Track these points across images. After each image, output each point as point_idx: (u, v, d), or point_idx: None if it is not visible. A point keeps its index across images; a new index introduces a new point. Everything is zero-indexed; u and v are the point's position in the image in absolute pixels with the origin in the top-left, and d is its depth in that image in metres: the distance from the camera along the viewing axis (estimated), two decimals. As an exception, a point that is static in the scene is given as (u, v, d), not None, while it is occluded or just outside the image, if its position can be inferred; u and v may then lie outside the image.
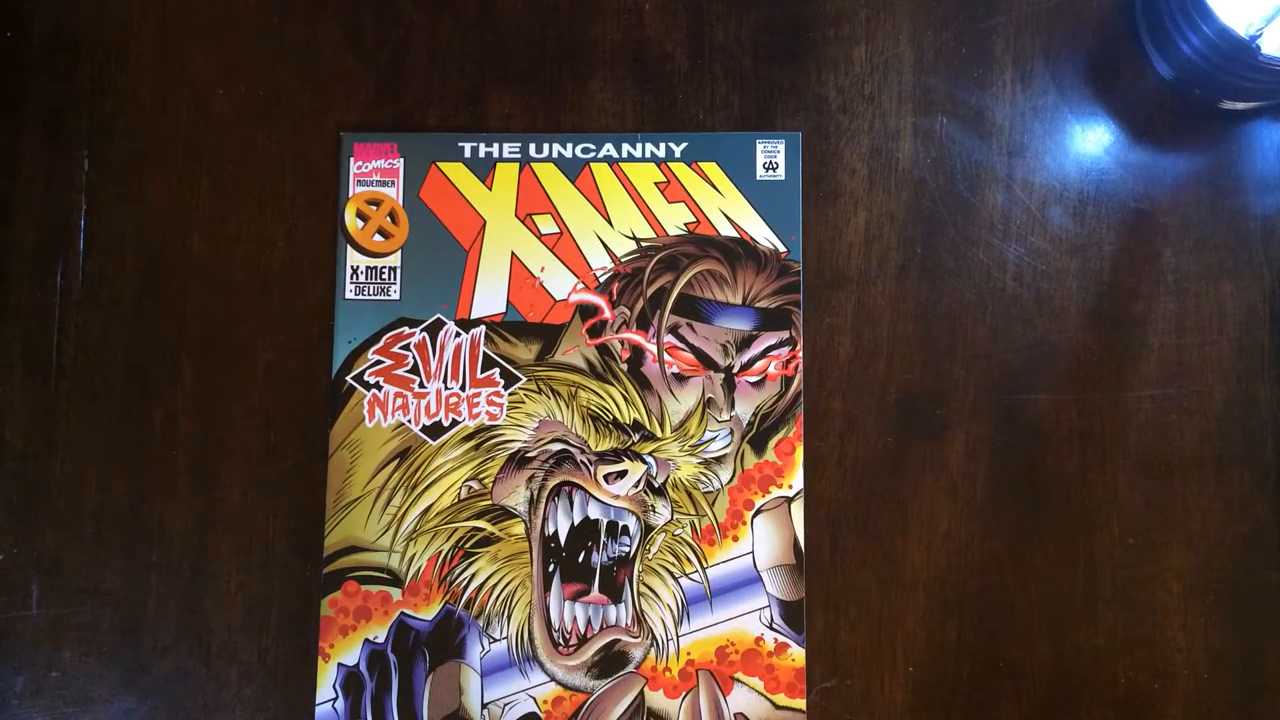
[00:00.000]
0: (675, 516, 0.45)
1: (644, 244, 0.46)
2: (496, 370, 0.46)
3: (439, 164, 0.48)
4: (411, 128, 0.50)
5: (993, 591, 0.47)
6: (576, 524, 0.45)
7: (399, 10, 0.51)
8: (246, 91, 0.51)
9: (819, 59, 0.50)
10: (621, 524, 0.45)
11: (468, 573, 0.45)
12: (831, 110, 0.50)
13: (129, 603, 0.48)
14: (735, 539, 0.44)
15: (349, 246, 0.47)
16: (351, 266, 0.47)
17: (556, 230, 0.47)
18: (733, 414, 0.45)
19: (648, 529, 0.44)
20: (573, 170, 0.47)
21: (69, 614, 0.49)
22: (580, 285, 0.46)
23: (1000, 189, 0.49)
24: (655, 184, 0.47)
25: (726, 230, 0.46)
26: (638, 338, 0.46)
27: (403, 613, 0.45)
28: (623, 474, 0.45)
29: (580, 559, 0.45)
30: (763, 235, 0.46)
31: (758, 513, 0.45)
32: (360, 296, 0.47)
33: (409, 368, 0.46)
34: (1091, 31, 0.50)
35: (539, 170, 0.47)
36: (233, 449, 0.49)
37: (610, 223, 0.47)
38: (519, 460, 0.46)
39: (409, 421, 0.46)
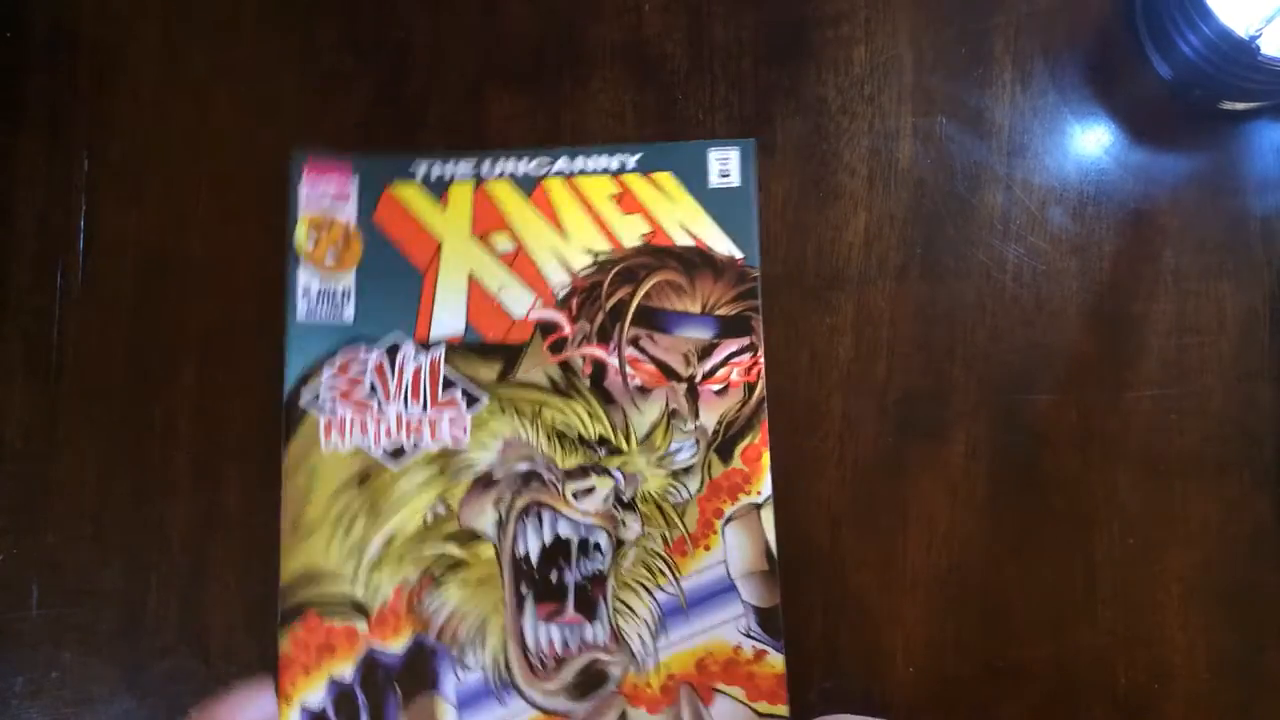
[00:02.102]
0: (646, 530, 0.44)
1: (600, 258, 0.45)
2: (458, 391, 0.45)
3: (391, 188, 0.46)
4: (412, 128, 0.50)
5: (993, 591, 0.47)
6: (547, 543, 0.44)
7: (399, 11, 0.51)
8: (246, 91, 0.51)
9: (819, 59, 0.50)
10: (593, 540, 0.43)
11: (437, 599, 0.43)
12: (831, 111, 0.50)
13: (129, 603, 0.48)
14: (707, 548, 0.43)
15: (299, 267, 0.46)
16: (303, 287, 0.46)
17: (513, 248, 0.46)
18: (697, 424, 0.44)
19: (619, 544, 0.43)
20: (527, 187, 0.46)
21: (69, 614, 0.49)
22: (539, 302, 0.45)
23: (1000, 189, 0.49)
24: (610, 196, 0.46)
25: (683, 240, 0.45)
26: (599, 352, 0.45)
27: (370, 647, 0.43)
28: (591, 490, 0.44)
29: (553, 579, 0.43)
30: (719, 243, 0.45)
31: (728, 521, 0.44)
32: (313, 319, 0.45)
33: (367, 390, 0.45)
34: (1091, 31, 0.50)
35: (493, 189, 0.46)
36: (233, 449, 0.49)
37: (566, 238, 0.46)
38: (486, 482, 0.44)
39: (368, 445, 0.44)
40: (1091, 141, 0.50)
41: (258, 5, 0.51)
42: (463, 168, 0.47)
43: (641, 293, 0.45)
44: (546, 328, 0.45)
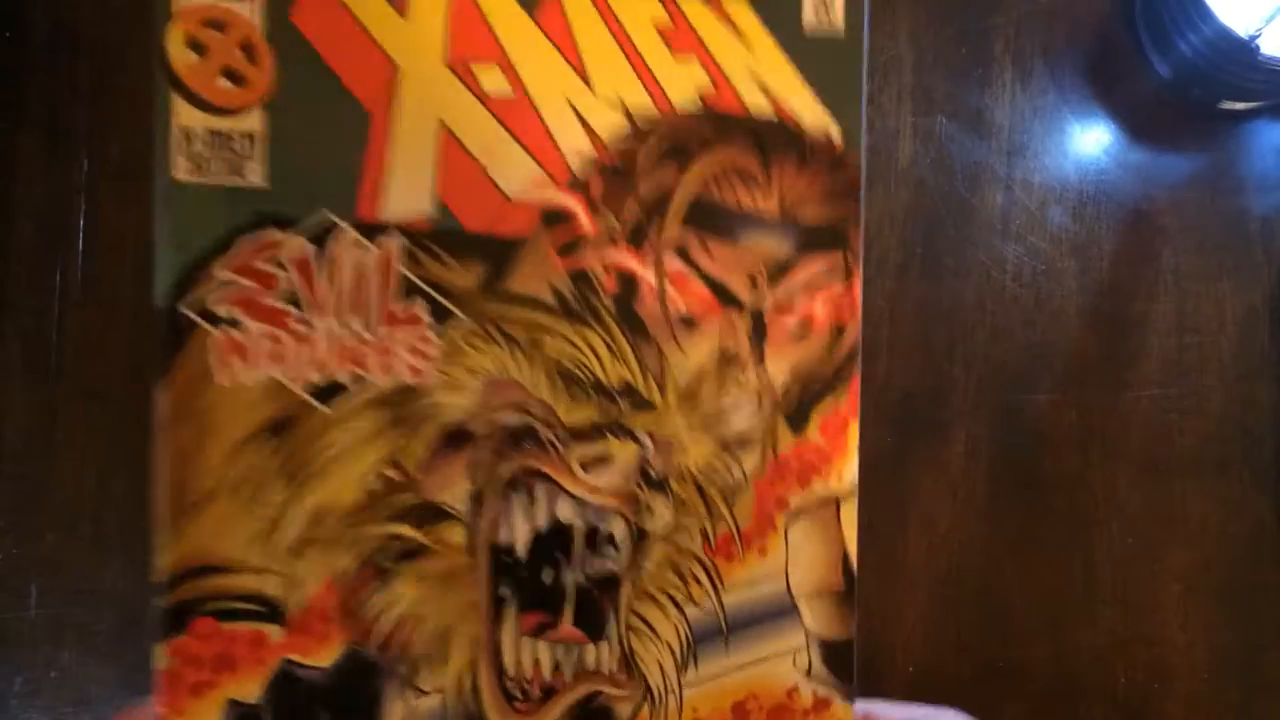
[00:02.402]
0: (681, 521, 0.31)
1: (639, 119, 0.31)
2: (422, 303, 0.31)
3: None
4: None
5: (993, 591, 0.47)
6: (541, 530, 0.31)
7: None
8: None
9: (819, 59, 0.50)
10: (604, 530, 0.31)
11: (383, 599, 0.31)
12: (831, 110, 0.50)
13: (129, 603, 0.48)
14: (763, 553, 0.32)
15: (174, 94, 0.30)
16: (182, 129, 0.30)
17: (509, 91, 0.31)
18: (763, 374, 0.32)
19: (641, 537, 0.31)
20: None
21: (68, 614, 0.49)
22: (545, 178, 0.31)
23: (1000, 189, 0.49)
24: (656, 27, 0.32)
25: (758, 104, 0.31)
26: (629, 261, 0.31)
27: (286, 660, 0.31)
28: (606, 459, 0.31)
29: (546, 579, 0.31)
30: (810, 114, 0.32)
31: (795, 517, 0.32)
32: (199, 179, 0.30)
33: (284, 295, 0.30)
34: (1091, 31, 0.50)
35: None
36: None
37: (589, 84, 0.31)
38: (458, 437, 0.31)
39: (287, 377, 0.30)
40: (1091, 141, 0.50)
41: (258, 5, 0.51)
42: None
43: (695, 178, 0.32)
44: (554, 218, 0.31)
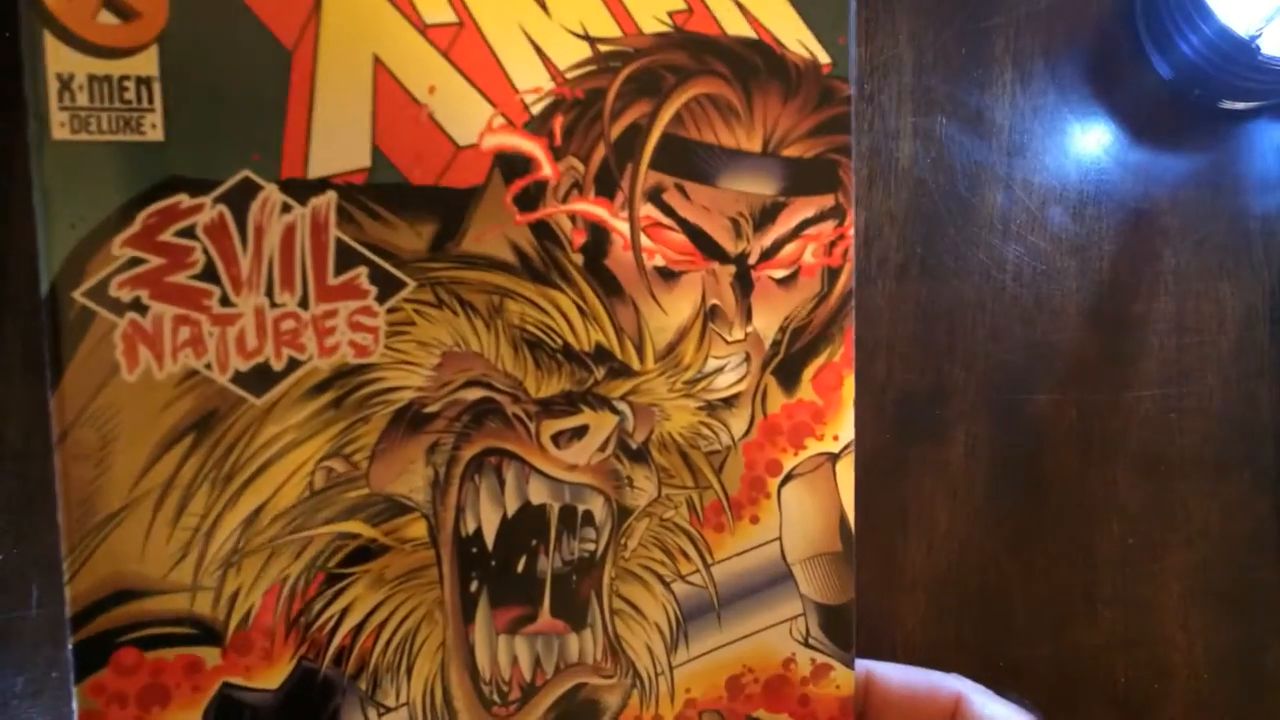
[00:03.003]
0: (665, 493, 0.29)
1: (602, 47, 0.27)
2: (364, 270, 0.26)
3: None
4: None
5: (993, 591, 0.47)
6: (511, 514, 0.28)
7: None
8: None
9: (819, 59, 0.50)
10: (582, 509, 0.29)
11: (335, 607, 0.27)
12: (831, 110, 0.50)
13: (129, 603, 0.48)
14: (754, 520, 0.29)
15: (46, 33, 0.24)
16: (59, 76, 0.24)
17: (454, 19, 0.26)
18: (749, 329, 0.29)
19: (623, 513, 0.29)
20: None
21: (69, 614, 0.49)
22: (500, 120, 0.27)
23: (1000, 189, 0.49)
24: None
25: (737, 26, 0.28)
26: (598, 209, 0.28)
27: (226, 684, 0.27)
28: (581, 431, 0.29)
29: (519, 568, 0.28)
30: (794, 37, 0.28)
31: (788, 479, 0.29)
32: (85, 135, 0.25)
33: (198, 270, 0.26)
34: (1091, 31, 0.50)
35: None
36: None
37: (545, 7, 0.27)
38: (412, 419, 0.27)
39: (208, 367, 0.26)
40: (1091, 141, 0.50)
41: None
42: None
43: (669, 113, 0.28)
44: (511, 165, 0.27)
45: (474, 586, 0.28)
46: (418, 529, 0.28)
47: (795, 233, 0.29)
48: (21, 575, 0.49)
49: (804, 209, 0.29)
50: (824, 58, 0.28)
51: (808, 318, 0.29)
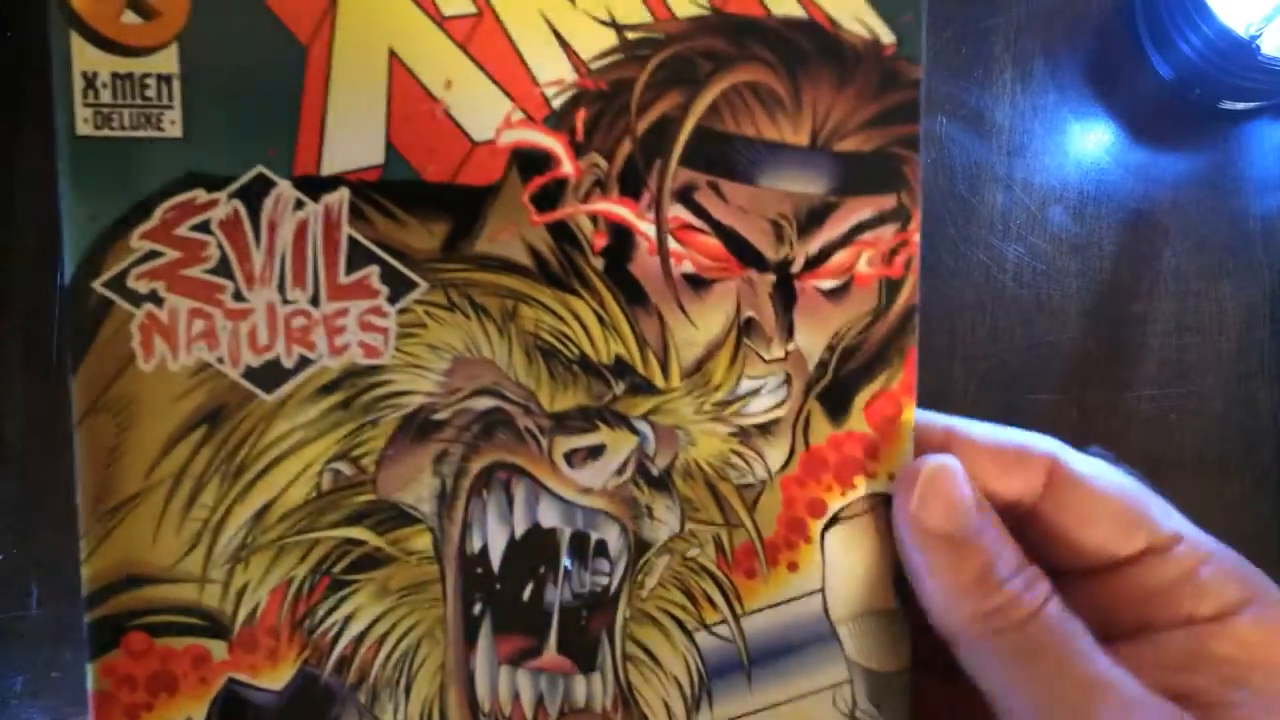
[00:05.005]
0: (689, 528, 0.26)
1: (631, 34, 0.25)
2: (375, 270, 0.26)
3: None
4: None
5: (993, 591, 0.47)
6: (519, 535, 0.26)
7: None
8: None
9: (819, 59, 0.50)
10: (595, 537, 0.26)
11: (339, 614, 0.27)
12: (831, 110, 0.50)
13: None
14: (793, 567, 0.26)
15: (72, 32, 0.25)
16: (84, 74, 0.25)
17: (473, 10, 0.25)
18: (790, 347, 0.26)
19: (641, 547, 0.26)
20: None
21: (69, 614, 0.49)
22: (518, 114, 0.25)
23: (1000, 189, 0.49)
24: None
25: (784, 5, 0.25)
26: (622, 210, 0.25)
27: (232, 679, 0.27)
28: (597, 451, 0.26)
29: (526, 595, 0.26)
30: (851, 13, 0.25)
31: (833, 522, 0.26)
32: (107, 130, 0.25)
33: (213, 264, 0.26)
34: (1091, 31, 0.50)
35: None
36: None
37: None
38: (420, 426, 0.26)
39: (220, 361, 0.26)
40: (1091, 141, 0.50)
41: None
42: None
43: (703, 105, 0.25)
44: (530, 162, 0.26)
45: (477, 609, 0.26)
46: (423, 541, 0.26)
47: (848, 238, 0.26)
48: (21, 575, 0.49)
49: (859, 210, 0.25)
50: (887, 37, 0.25)
51: (861, 336, 0.26)
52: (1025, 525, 0.23)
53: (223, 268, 0.26)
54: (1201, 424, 0.48)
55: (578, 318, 0.26)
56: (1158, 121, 0.50)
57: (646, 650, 0.26)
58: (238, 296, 0.26)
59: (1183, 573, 0.24)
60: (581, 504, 0.26)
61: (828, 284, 0.26)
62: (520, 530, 0.26)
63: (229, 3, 0.25)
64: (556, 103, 0.25)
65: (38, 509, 0.49)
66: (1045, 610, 0.20)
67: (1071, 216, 0.49)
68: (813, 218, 0.25)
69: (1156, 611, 0.23)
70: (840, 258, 0.26)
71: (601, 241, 0.25)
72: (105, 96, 0.25)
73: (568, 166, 0.25)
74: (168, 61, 0.25)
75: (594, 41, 0.25)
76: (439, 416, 0.26)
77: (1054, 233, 0.49)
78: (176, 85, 0.25)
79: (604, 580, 0.26)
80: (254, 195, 0.25)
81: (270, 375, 0.26)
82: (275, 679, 0.26)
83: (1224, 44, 0.45)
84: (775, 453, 0.25)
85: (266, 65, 0.25)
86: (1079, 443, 0.48)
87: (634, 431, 0.26)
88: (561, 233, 0.25)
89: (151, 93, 0.25)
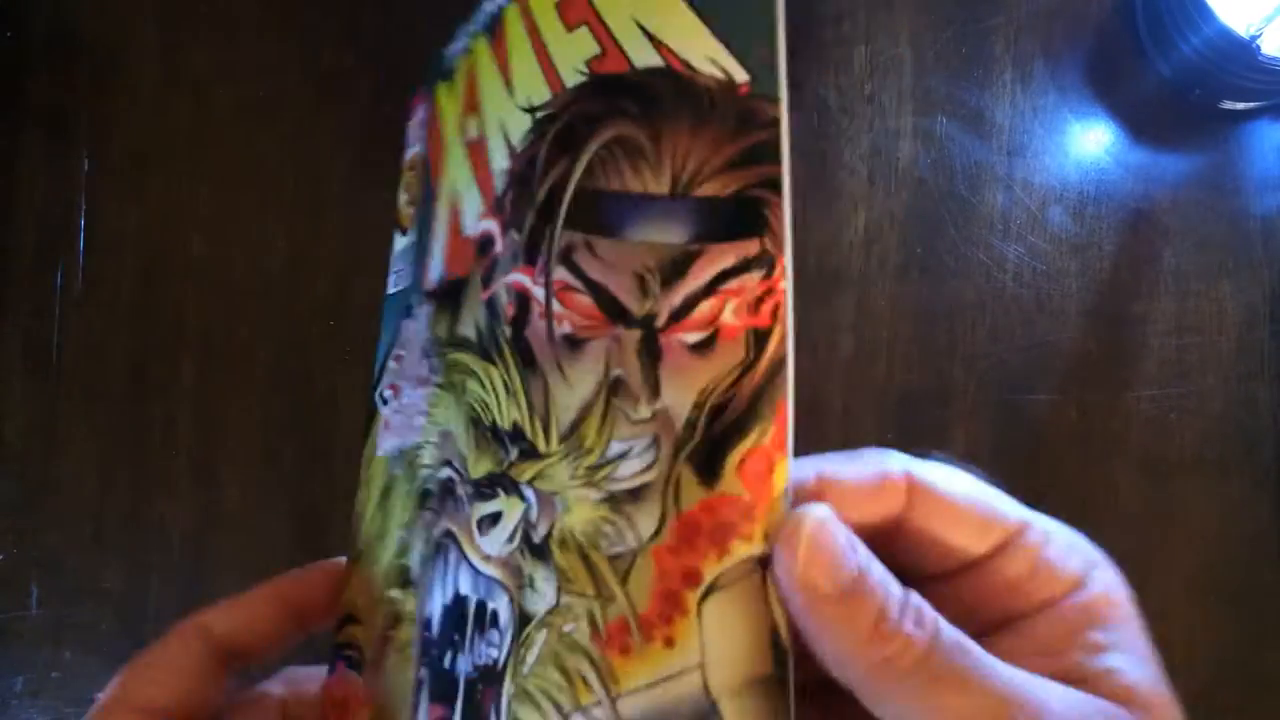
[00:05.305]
0: (564, 600, 0.24)
1: (539, 113, 0.26)
2: (428, 361, 0.29)
3: (437, 92, 0.31)
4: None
5: (993, 591, 0.47)
6: (447, 602, 0.26)
7: (398, 9, 0.51)
8: (246, 91, 0.51)
9: (819, 59, 0.50)
10: (490, 607, 0.25)
11: (386, 665, 0.28)
12: (831, 110, 0.50)
13: (129, 603, 0.48)
14: (669, 643, 0.23)
15: (395, 230, 0.32)
16: (394, 252, 0.32)
17: (477, 134, 0.28)
18: (657, 406, 0.24)
19: (523, 620, 0.24)
20: (491, 30, 0.29)
21: (69, 614, 0.49)
22: (482, 207, 0.28)
23: (1000, 189, 0.49)
24: (554, 6, 0.27)
25: (644, 57, 0.24)
26: (522, 278, 0.26)
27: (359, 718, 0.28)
28: (496, 518, 0.25)
29: (446, 663, 0.26)
30: (703, 53, 0.24)
31: (708, 593, 0.23)
32: (394, 288, 0.32)
33: (398, 372, 0.31)
34: (1091, 31, 0.50)
35: (476, 49, 0.29)
36: (232, 448, 0.49)
37: (511, 93, 0.27)
38: (424, 496, 0.28)
39: (391, 447, 0.30)
40: (1091, 141, 0.50)
41: (258, 5, 0.51)
42: (478, 20, 0.30)
43: (581, 166, 0.25)
44: (483, 246, 0.27)
45: (422, 673, 0.26)
46: (413, 603, 0.27)
47: (710, 287, 0.23)
48: (21, 575, 0.49)
49: (720, 258, 0.23)
50: (740, 75, 0.23)
51: (730, 391, 0.23)
52: (889, 541, 0.24)
53: (401, 374, 0.31)
54: (1201, 424, 0.48)
55: (493, 386, 0.26)
56: (1158, 121, 0.50)
57: None
58: (400, 395, 0.30)
59: (1034, 558, 0.24)
60: (484, 571, 0.25)
61: (693, 337, 0.23)
62: (449, 597, 0.26)
63: (423, 183, 0.31)
64: (499, 189, 0.27)
65: (38, 509, 0.49)
66: (940, 638, 0.20)
67: (1071, 216, 0.49)
68: (675, 268, 0.24)
69: (1019, 600, 0.24)
70: (704, 309, 0.23)
71: (510, 311, 0.26)
72: (396, 263, 0.32)
73: (499, 245, 0.26)
74: (412, 234, 0.32)
75: (520, 128, 0.26)
76: (428, 487, 0.28)
77: (1054, 233, 0.49)
78: (409, 249, 0.31)
79: (494, 653, 0.25)
80: (410, 315, 0.30)
81: (398, 456, 0.30)
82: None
83: (1224, 44, 0.45)
84: (646, 520, 0.23)
85: (424, 213, 0.31)
86: (1080, 442, 0.48)
87: (522, 498, 0.25)
88: (491, 307, 0.26)
89: (409, 256, 0.32)
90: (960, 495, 0.25)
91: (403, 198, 0.32)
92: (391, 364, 0.31)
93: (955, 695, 0.20)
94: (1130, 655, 0.23)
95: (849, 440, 0.47)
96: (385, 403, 0.31)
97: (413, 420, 0.29)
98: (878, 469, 0.25)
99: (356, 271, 0.49)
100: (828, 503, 0.22)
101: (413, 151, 0.33)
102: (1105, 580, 0.25)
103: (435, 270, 0.29)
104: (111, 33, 0.52)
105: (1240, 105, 0.49)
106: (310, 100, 0.51)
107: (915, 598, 0.21)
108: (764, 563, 0.22)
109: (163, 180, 0.50)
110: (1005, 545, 0.25)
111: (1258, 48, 0.44)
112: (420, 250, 0.30)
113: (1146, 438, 0.48)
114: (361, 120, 0.50)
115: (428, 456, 0.28)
